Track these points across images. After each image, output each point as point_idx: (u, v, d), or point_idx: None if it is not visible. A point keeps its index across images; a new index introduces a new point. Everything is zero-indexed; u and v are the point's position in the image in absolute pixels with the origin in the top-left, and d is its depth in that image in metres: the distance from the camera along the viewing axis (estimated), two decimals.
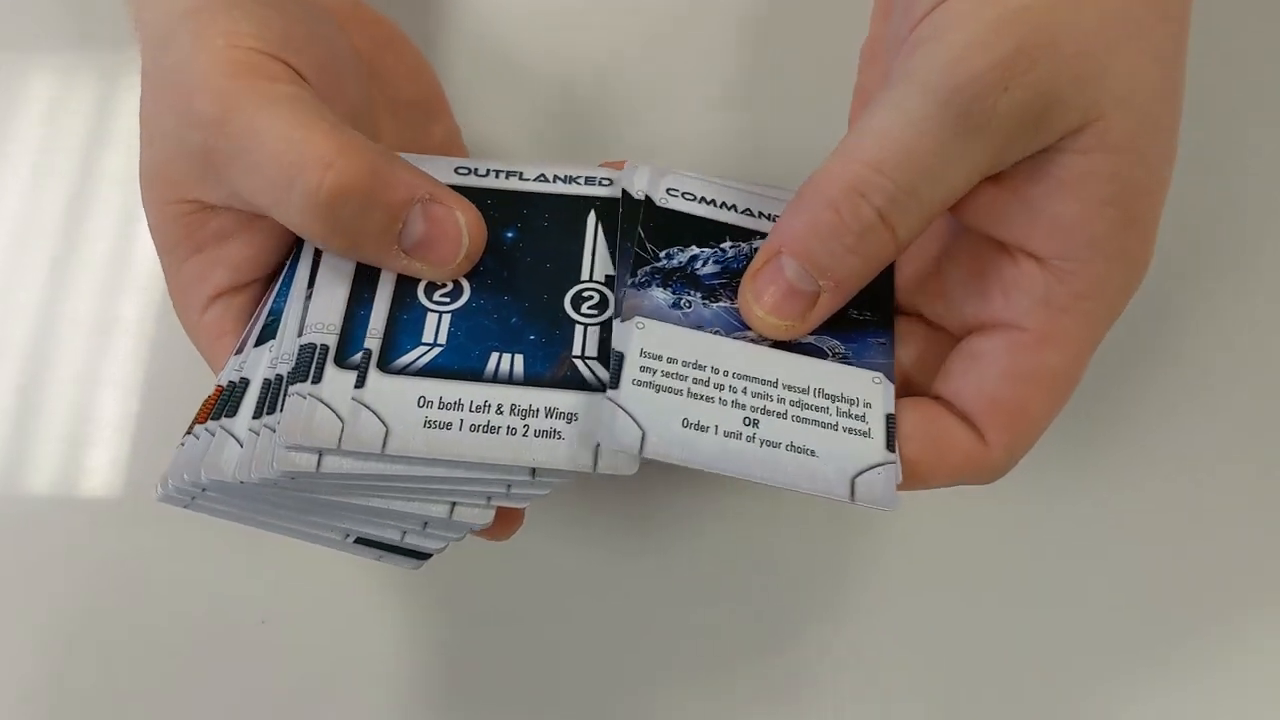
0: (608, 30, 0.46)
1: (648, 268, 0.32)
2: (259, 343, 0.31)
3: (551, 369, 0.30)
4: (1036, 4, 0.27)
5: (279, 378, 0.29)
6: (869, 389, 0.31)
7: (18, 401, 0.43)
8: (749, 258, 0.32)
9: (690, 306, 0.31)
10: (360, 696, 0.40)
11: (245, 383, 0.30)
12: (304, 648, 0.40)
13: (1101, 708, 0.39)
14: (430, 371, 0.30)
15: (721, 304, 0.31)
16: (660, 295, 0.31)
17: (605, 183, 0.34)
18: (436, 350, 0.30)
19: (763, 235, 0.33)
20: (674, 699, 0.40)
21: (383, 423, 0.28)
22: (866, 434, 0.30)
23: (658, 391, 0.29)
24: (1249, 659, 0.40)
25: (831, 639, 0.40)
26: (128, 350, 0.43)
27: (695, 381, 0.30)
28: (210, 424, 0.30)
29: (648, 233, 0.32)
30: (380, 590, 0.40)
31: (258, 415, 0.29)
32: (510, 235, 0.32)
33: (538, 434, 0.29)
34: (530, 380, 0.30)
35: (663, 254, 0.32)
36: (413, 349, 0.30)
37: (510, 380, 0.30)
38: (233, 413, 0.29)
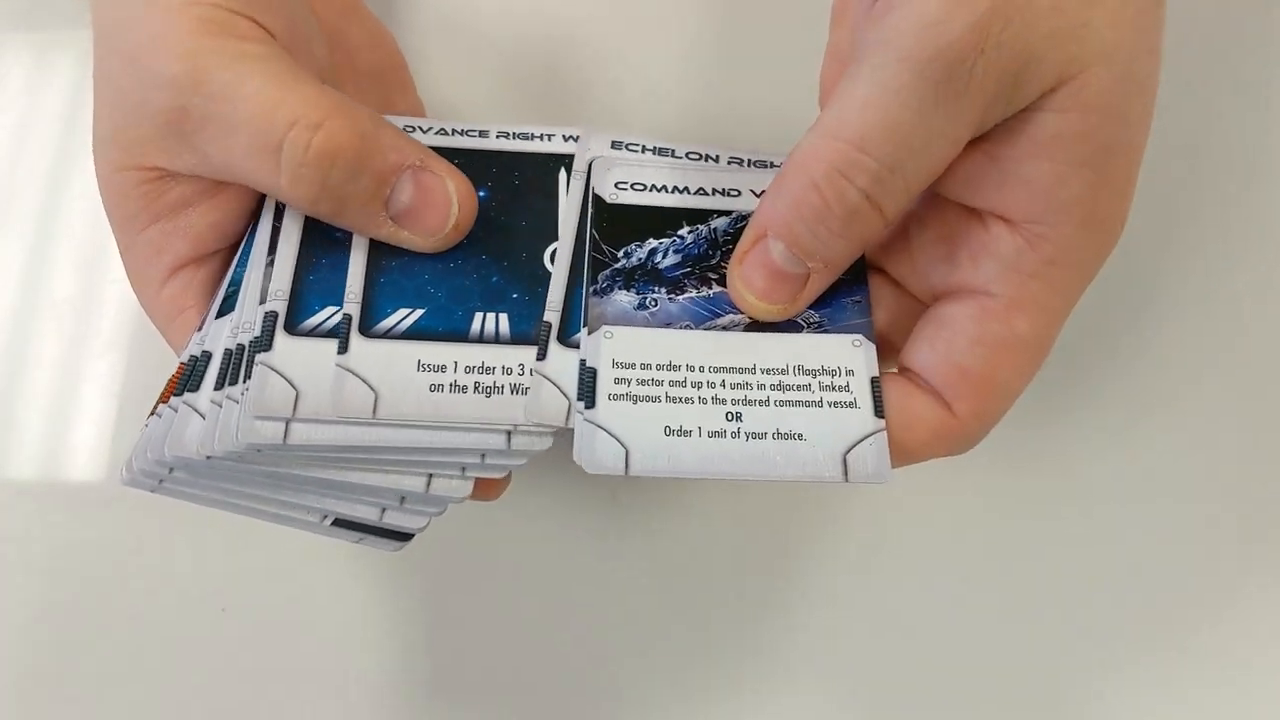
0: None
1: (607, 271, 0.30)
2: (220, 314, 0.30)
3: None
4: None
5: (240, 347, 0.28)
6: (850, 354, 0.30)
7: None
8: (709, 240, 0.31)
9: (656, 305, 0.30)
10: (321, 685, 0.39)
11: (207, 356, 0.29)
12: (264, 636, 0.39)
13: (1083, 689, 0.38)
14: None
15: (687, 295, 0.30)
16: (624, 298, 0.30)
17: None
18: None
19: (720, 213, 0.32)
20: (652, 683, 0.39)
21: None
22: (852, 404, 0.29)
23: (635, 403, 0.28)
24: (1237, 642, 0.39)
25: (813, 619, 0.39)
26: (107, 330, 0.43)
27: (672, 384, 0.29)
28: (174, 401, 0.28)
29: (601, 233, 0.31)
30: (343, 578, 0.39)
31: (219, 387, 0.28)
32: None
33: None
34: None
35: (620, 253, 0.31)
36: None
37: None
38: (195, 387, 0.28)
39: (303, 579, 0.40)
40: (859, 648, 0.39)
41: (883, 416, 0.29)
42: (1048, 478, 0.40)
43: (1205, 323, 0.41)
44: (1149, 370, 0.41)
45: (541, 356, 0.29)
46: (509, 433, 0.28)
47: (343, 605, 0.39)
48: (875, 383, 0.29)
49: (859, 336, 0.30)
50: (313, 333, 0.28)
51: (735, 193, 0.32)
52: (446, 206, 0.30)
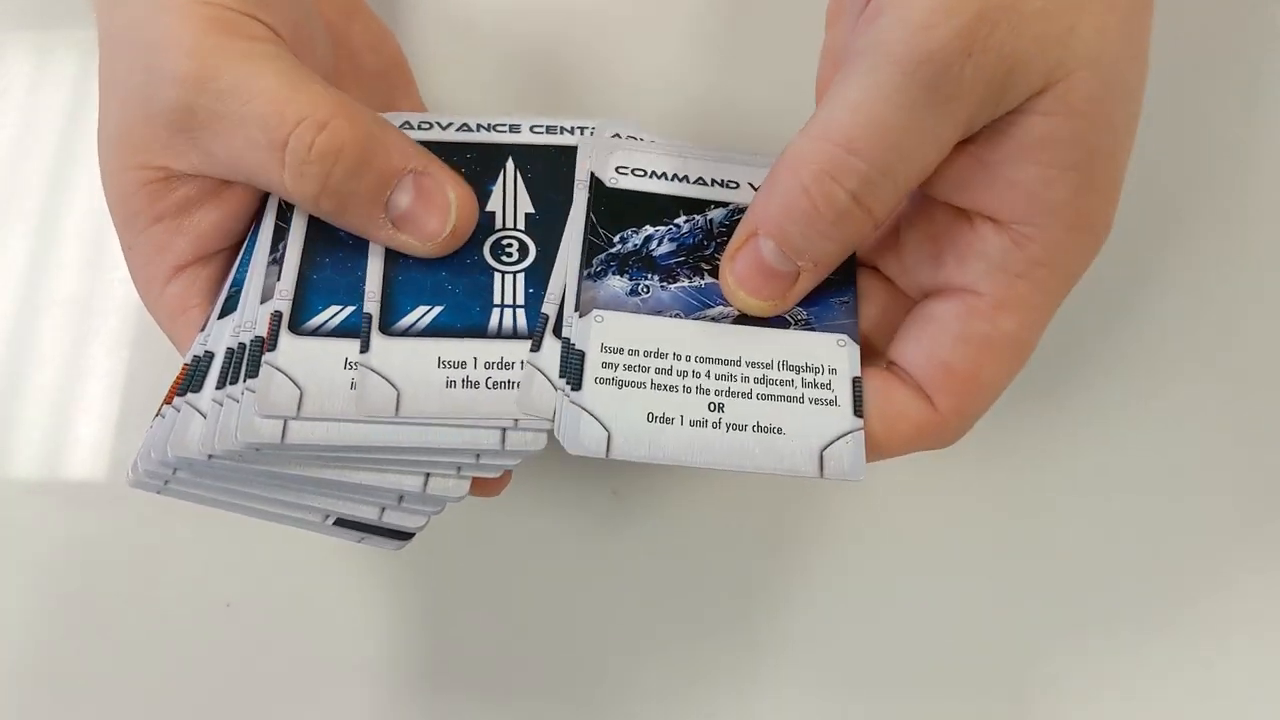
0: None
1: (602, 255, 0.31)
2: (222, 315, 0.30)
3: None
4: None
5: (241, 346, 0.29)
6: (834, 353, 0.30)
7: None
8: (705, 231, 0.32)
9: (648, 292, 0.30)
10: (326, 680, 0.39)
11: (210, 356, 0.29)
12: (269, 631, 0.40)
13: (1069, 674, 0.38)
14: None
15: (680, 284, 0.31)
16: (617, 284, 0.30)
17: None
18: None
19: (718, 204, 0.32)
20: (652, 677, 0.39)
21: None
22: (833, 402, 0.29)
23: (620, 388, 0.29)
24: (1216, 623, 0.39)
25: (813, 614, 0.39)
26: (111, 328, 0.43)
27: (658, 371, 0.29)
28: (176, 401, 0.29)
29: (599, 217, 0.31)
30: (347, 573, 0.40)
31: (221, 386, 0.28)
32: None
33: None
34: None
35: (616, 238, 0.31)
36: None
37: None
38: (198, 388, 0.29)
39: (307, 573, 0.40)
40: (858, 642, 0.39)
41: (861, 416, 0.29)
42: (1033, 472, 0.40)
43: (1189, 319, 0.42)
44: (1134, 365, 0.41)
45: (536, 348, 0.29)
46: (503, 432, 0.28)
47: (347, 599, 0.40)
48: (857, 383, 0.29)
49: (844, 336, 0.30)
50: (317, 332, 0.29)
51: (734, 184, 0.33)
52: (445, 211, 0.30)
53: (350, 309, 0.29)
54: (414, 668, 0.39)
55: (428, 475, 0.29)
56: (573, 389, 0.28)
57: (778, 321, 0.30)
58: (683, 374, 0.29)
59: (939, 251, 0.30)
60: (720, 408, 0.29)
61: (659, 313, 0.30)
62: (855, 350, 0.30)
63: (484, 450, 0.28)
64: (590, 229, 0.31)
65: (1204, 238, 0.42)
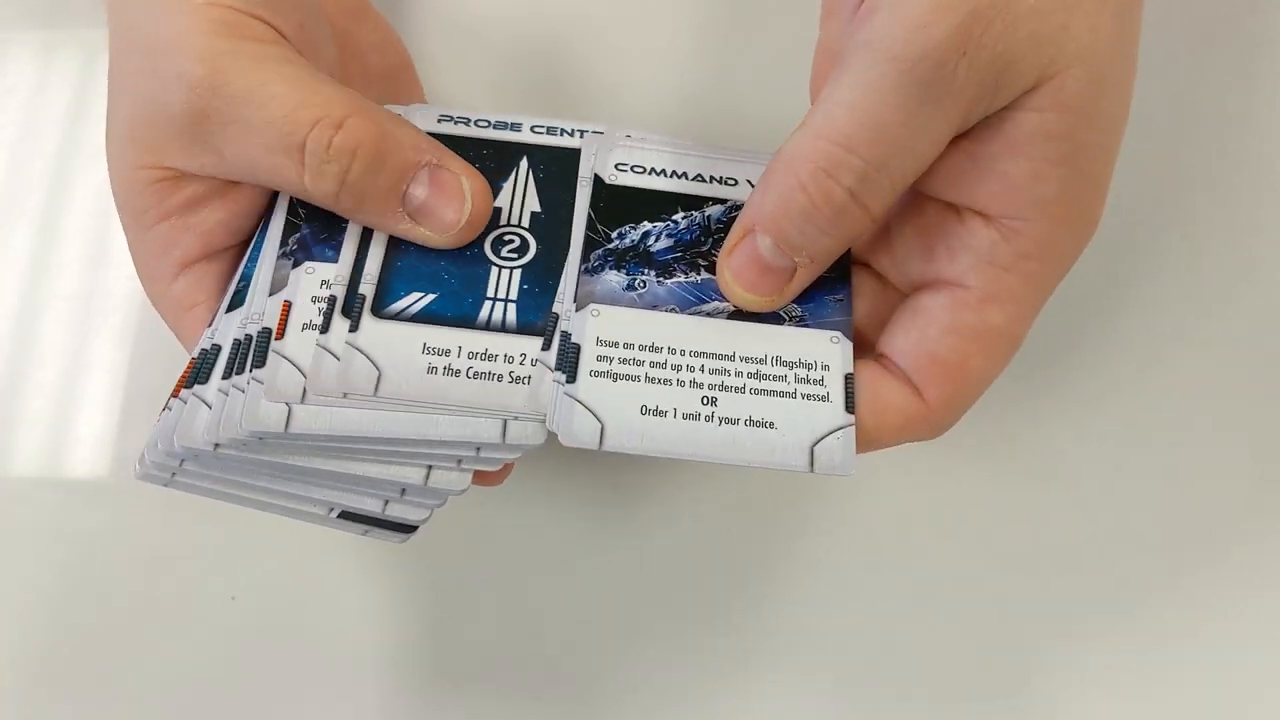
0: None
1: (600, 250, 0.31)
2: (230, 309, 0.31)
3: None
4: None
5: (248, 338, 0.29)
6: (827, 350, 0.30)
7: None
8: (702, 227, 0.32)
9: (645, 287, 0.31)
10: (329, 672, 0.39)
11: (217, 349, 0.30)
12: (273, 625, 0.40)
13: (1056, 667, 0.39)
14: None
15: (676, 280, 0.31)
16: (614, 278, 0.31)
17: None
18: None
19: (716, 201, 0.33)
20: (647, 670, 0.39)
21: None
22: (825, 398, 0.29)
23: (614, 380, 0.29)
24: (1200, 617, 0.39)
25: (812, 607, 0.39)
26: (114, 325, 0.43)
27: (652, 365, 0.29)
28: (184, 393, 0.29)
29: (598, 213, 0.32)
30: (350, 566, 0.40)
31: (227, 376, 0.29)
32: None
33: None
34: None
35: (614, 234, 0.32)
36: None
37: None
38: (205, 379, 0.29)
39: (310, 566, 0.40)
40: (860, 639, 0.39)
41: (853, 412, 0.29)
42: (1026, 463, 0.41)
43: (1177, 314, 0.42)
44: (1123, 357, 0.41)
45: (547, 347, 0.30)
46: (504, 424, 0.28)
47: (349, 592, 0.40)
48: (849, 379, 0.30)
49: (837, 334, 0.31)
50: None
51: (732, 182, 0.33)
52: (461, 201, 0.31)
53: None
54: (415, 660, 0.39)
55: (429, 468, 0.29)
56: (568, 381, 0.29)
57: (772, 318, 0.31)
58: (676, 368, 0.30)
59: (929, 245, 0.30)
60: (713, 401, 0.29)
61: (655, 307, 0.31)
62: (848, 347, 0.30)
63: (484, 443, 0.29)
64: (590, 225, 0.32)
65: (1197, 231, 0.43)
